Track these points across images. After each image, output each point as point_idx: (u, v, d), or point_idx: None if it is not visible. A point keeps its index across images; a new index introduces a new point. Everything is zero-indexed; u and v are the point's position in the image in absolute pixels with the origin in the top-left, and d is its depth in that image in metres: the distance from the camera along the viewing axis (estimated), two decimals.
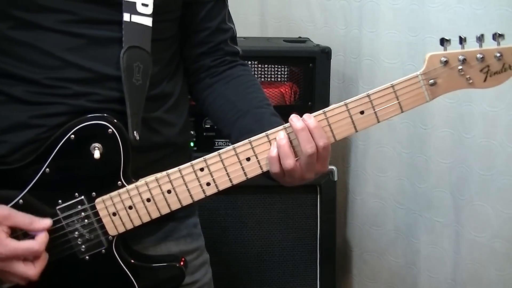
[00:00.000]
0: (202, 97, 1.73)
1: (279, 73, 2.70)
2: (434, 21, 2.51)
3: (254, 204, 2.64)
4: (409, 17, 2.62)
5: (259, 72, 2.66)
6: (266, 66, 2.67)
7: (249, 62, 2.59)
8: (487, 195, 2.46)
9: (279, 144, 1.44)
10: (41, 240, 1.43)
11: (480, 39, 1.40)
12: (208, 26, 1.68)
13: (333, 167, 2.61)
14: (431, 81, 1.42)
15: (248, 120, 1.61)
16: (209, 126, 2.60)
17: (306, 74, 2.63)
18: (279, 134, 1.44)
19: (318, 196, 2.65)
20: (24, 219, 1.43)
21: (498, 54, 1.40)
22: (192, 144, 2.57)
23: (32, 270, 1.42)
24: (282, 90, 2.67)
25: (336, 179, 2.63)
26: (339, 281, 3.02)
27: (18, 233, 1.44)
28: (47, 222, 1.45)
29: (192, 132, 2.55)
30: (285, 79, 2.71)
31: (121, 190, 1.47)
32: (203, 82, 1.72)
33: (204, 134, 2.61)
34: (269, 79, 2.68)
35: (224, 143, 2.60)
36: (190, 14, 1.66)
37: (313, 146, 1.42)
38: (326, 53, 2.62)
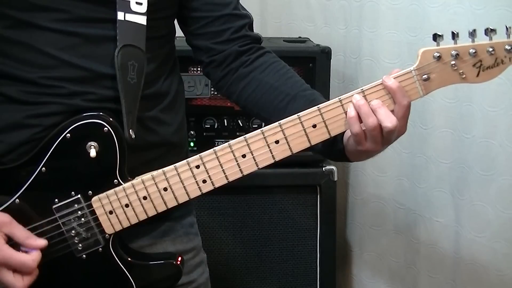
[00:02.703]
0: (239, 88, 1.69)
1: None
2: (434, 21, 2.51)
3: (254, 204, 2.64)
4: (409, 17, 2.61)
5: None
6: None
7: None
8: (487, 195, 2.46)
9: (358, 104, 1.43)
10: (35, 257, 1.44)
11: (473, 34, 1.41)
12: (222, 14, 1.66)
13: (333, 167, 2.62)
14: (425, 76, 1.43)
15: (300, 102, 1.58)
16: (209, 126, 2.60)
17: (306, 74, 2.63)
18: (355, 97, 1.44)
19: (318, 196, 2.65)
20: (22, 232, 1.44)
21: (491, 49, 1.41)
22: (192, 144, 2.57)
23: (19, 283, 1.42)
24: None
25: (336, 179, 2.63)
26: (339, 281, 3.02)
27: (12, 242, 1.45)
28: (42, 242, 1.46)
29: (192, 132, 2.55)
30: None
31: (117, 188, 1.48)
32: (238, 72, 1.68)
33: (204, 134, 2.61)
34: None
35: (224, 143, 2.59)
36: (200, 6, 1.65)
37: (393, 119, 1.43)
38: (326, 53, 2.62)
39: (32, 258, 1.43)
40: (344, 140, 1.52)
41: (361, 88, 1.44)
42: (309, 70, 2.62)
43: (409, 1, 2.60)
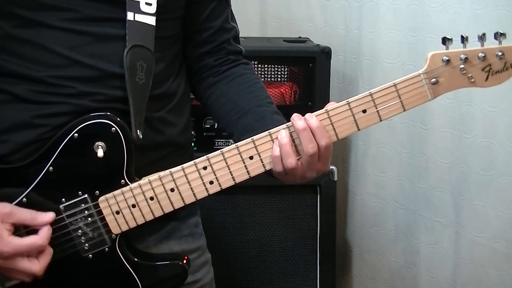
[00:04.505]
0: (205, 96, 1.74)
1: (279, 73, 2.70)
2: (434, 21, 2.52)
3: (254, 204, 2.64)
4: (409, 17, 2.62)
5: (259, 72, 2.66)
6: (266, 66, 2.68)
7: None
8: (487, 195, 2.47)
9: (281, 143, 1.44)
10: (44, 234, 1.43)
11: (482, 38, 1.41)
12: (211, 25, 1.69)
13: (333, 167, 2.62)
14: (433, 80, 1.43)
15: (250, 118, 1.61)
16: (209, 126, 2.61)
17: (306, 74, 2.64)
18: (281, 133, 1.45)
19: (318, 196, 2.65)
20: (26, 215, 1.43)
21: (500, 53, 1.41)
22: (192, 144, 2.57)
23: (36, 266, 1.42)
24: (282, 90, 2.67)
25: (336, 179, 2.63)
26: (339, 281, 3.02)
27: (21, 231, 1.44)
28: (49, 215, 1.45)
29: (192, 132, 2.55)
30: (285, 79, 2.71)
31: (124, 189, 1.48)
32: (206, 81, 1.73)
33: (204, 134, 2.62)
34: (269, 79, 2.69)
35: (224, 143, 2.60)
36: (193, 13, 1.66)
37: (314, 146, 1.43)
38: (326, 53, 2.62)
39: (40, 236, 1.42)
40: None
41: (369, 92, 1.44)
42: (309, 70, 2.62)
43: (409, 1, 2.61)
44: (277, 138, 1.45)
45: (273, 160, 1.46)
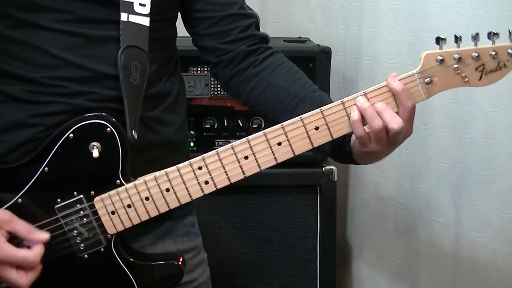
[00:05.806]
0: (248, 89, 1.70)
1: None
2: (434, 21, 2.51)
3: (254, 204, 2.64)
4: (409, 17, 2.62)
5: None
6: None
7: None
8: (487, 195, 2.46)
9: (362, 107, 1.43)
10: (37, 252, 1.44)
11: (475, 37, 1.41)
12: (228, 13, 1.66)
13: (333, 167, 2.62)
14: (427, 79, 1.43)
15: (309, 104, 1.58)
16: (209, 126, 2.60)
17: (306, 74, 2.60)
18: (359, 99, 1.44)
19: (318, 196, 2.65)
20: (23, 227, 1.44)
21: (493, 53, 1.41)
22: (192, 144, 2.57)
23: (23, 280, 1.42)
24: None
25: (336, 179, 2.63)
26: (339, 281, 3.02)
27: (18, 241, 1.45)
28: (44, 235, 1.46)
29: (192, 132, 2.55)
30: None
31: (119, 189, 1.48)
32: (246, 72, 1.69)
33: (204, 134, 2.61)
34: None
35: (224, 143, 2.60)
36: (205, 7, 1.65)
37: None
38: (326, 53, 2.62)
39: (34, 253, 1.43)
40: (351, 142, 1.53)
41: (364, 91, 1.44)
42: (309, 70, 2.61)
43: (409, 1, 2.60)
44: (272, 138, 1.45)
45: (353, 125, 1.44)
